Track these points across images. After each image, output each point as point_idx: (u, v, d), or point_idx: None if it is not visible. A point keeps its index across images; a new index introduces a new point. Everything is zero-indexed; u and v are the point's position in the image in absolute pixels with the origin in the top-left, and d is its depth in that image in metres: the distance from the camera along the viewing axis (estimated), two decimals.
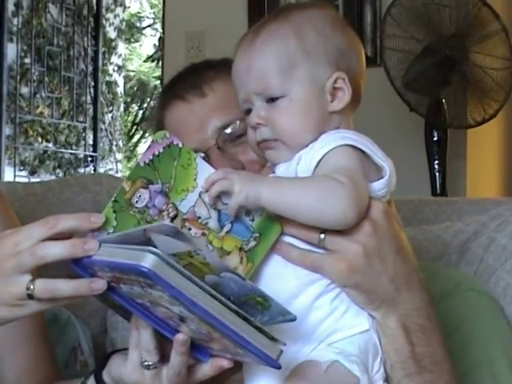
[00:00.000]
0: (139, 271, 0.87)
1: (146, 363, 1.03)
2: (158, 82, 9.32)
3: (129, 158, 10.03)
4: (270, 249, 1.06)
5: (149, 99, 10.64)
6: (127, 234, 0.94)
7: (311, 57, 1.08)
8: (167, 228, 0.89)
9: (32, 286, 0.98)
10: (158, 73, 9.32)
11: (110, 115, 7.38)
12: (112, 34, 7.44)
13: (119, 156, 7.80)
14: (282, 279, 1.05)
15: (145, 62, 10.78)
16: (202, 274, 0.91)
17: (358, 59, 1.12)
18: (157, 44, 10.26)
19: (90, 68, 6.37)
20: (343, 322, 1.04)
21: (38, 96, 6.06)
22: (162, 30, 4.47)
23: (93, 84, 6.42)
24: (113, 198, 1.04)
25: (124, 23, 8.09)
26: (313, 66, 1.08)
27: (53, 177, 6.15)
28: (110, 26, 7.33)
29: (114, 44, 7.50)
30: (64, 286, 0.98)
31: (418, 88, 3.08)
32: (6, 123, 5.63)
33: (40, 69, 6.03)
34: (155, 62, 10.27)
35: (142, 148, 10.32)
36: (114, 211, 1.04)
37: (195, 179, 1.07)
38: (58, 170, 6.39)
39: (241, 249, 1.05)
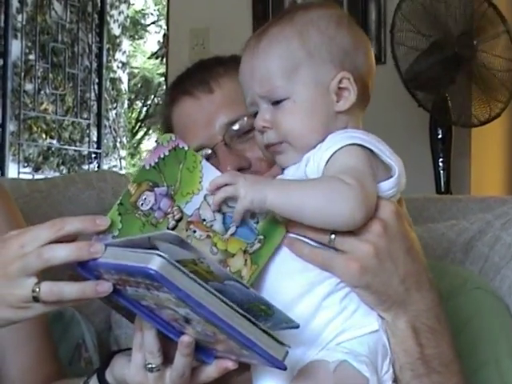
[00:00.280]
0: (146, 273, 0.87)
1: (150, 366, 1.03)
2: (162, 78, 9.32)
3: (133, 155, 10.04)
4: (276, 249, 1.06)
5: (153, 96, 10.65)
6: (132, 240, 0.94)
7: (314, 58, 1.08)
8: (171, 237, 0.89)
9: (38, 289, 0.98)
10: (162, 70, 9.31)
11: (114, 112, 7.40)
12: (116, 30, 7.45)
13: (123, 153, 7.82)
14: (290, 278, 1.05)
15: (149, 58, 10.79)
16: (206, 281, 0.91)
17: (365, 57, 1.12)
18: (161, 41, 10.26)
19: (95, 65, 6.37)
20: (352, 322, 1.03)
21: (42, 93, 6.07)
22: (166, 27, 4.47)
23: (97, 81, 6.42)
24: (118, 201, 1.04)
25: (128, 20, 8.10)
26: (316, 66, 1.08)
27: (57, 173, 6.16)
28: (114, 22, 7.35)
29: (118, 41, 7.52)
30: (70, 289, 0.97)
31: (422, 85, 3.08)
32: (11, 120, 5.63)
33: (44, 65, 6.04)
34: (159, 58, 10.28)
35: (145, 145, 10.33)
36: (120, 214, 1.04)
37: (200, 182, 1.07)
38: (61, 167, 6.40)
39: (245, 251, 1.05)
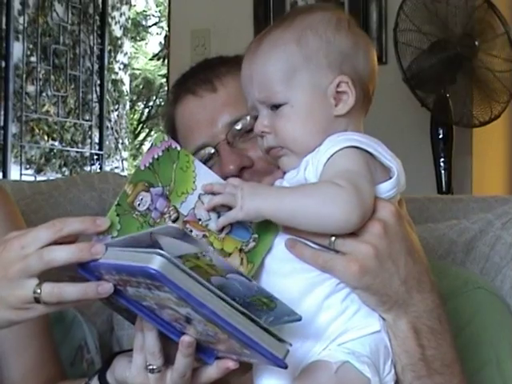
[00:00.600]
0: (147, 273, 0.87)
1: (151, 367, 1.03)
2: (164, 80, 9.33)
3: (135, 156, 10.04)
4: (271, 248, 1.07)
5: (154, 97, 10.65)
6: (133, 237, 0.95)
7: (312, 63, 1.08)
8: (173, 230, 0.90)
9: (39, 290, 0.98)
10: (164, 71, 9.33)
11: (115, 113, 7.39)
12: (118, 32, 7.45)
13: (125, 154, 7.81)
14: (290, 278, 1.05)
15: (150, 60, 10.79)
16: (208, 275, 0.92)
17: (366, 60, 1.11)
18: (162, 42, 10.27)
19: (96, 66, 6.38)
20: (354, 323, 1.03)
21: (43, 94, 6.07)
22: (167, 29, 4.47)
23: (99, 82, 6.43)
24: (116, 202, 1.05)
25: (130, 21, 8.10)
26: (314, 71, 1.08)
27: (59, 175, 6.16)
28: (115, 24, 7.34)
29: (119, 42, 7.51)
30: (71, 290, 0.98)
31: (424, 84, 3.08)
32: (12, 122, 5.64)
33: (46, 67, 6.04)
34: (161, 60, 10.28)
35: (147, 146, 10.32)
36: (118, 215, 1.04)
37: (194, 181, 1.08)
38: (63, 169, 6.40)
39: (241, 250, 1.06)
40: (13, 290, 1.00)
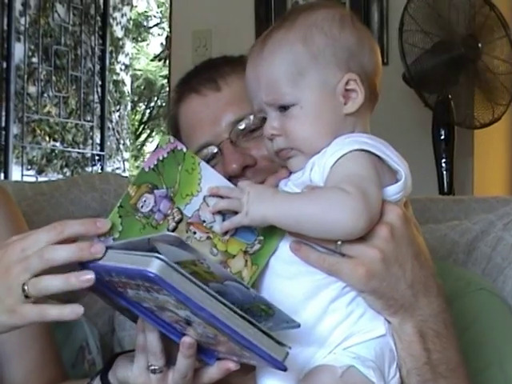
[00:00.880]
0: (146, 276, 0.87)
1: (153, 367, 1.03)
2: (165, 80, 9.33)
3: (136, 157, 10.04)
4: (276, 250, 1.06)
5: (156, 98, 10.65)
6: (132, 242, 0.95)
7: (319, 61, 1.07)
8: (171, 238, 0.90)
9: (26, 287, 0.98)
10: (165, 72, 9.33)
11: (117, 114, 7.39)
12: (119, 33, 7.45)
13: (126, 155, 7.81)
14: (295, 281, 1.04)
15: (152, 61, 10.79)
16: (206, 281, 0.92)
17: (371, 56, 1.11)
18: (164, 43, 10.27)
19: (98, 67, 6.38)
20: (359, 326, 1.03)
21: (45, 95, 6.07)
22: (169, 29, 4.47)
23: (100, 83, 6.43)
24: (118, 204, 1.05)
25: (131, 22, 8.10)
26: (322, 70, 1.07)
27: (60, 176, 6.16)
28: (117, 25, 7.35)
29: (121, 43, 7.52)
30: (54, 279, 0.98)
31: (426, 84, 3.08)
32: (14, 122, 5.64)
33: (47, 68, 6.04)
34: (162, 60, 10.28)
35: (149, 147, 10.33)
36: (120, 216, 1.04)
37: (199, 183, 1.07)
38: (65, 169, 6.40)
39: (245, 252, 1.06)
40: (10, 291, 1.00)
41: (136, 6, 9.80)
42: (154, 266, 0.87)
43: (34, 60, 5.94)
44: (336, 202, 0.98)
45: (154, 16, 10.93)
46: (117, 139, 7.35)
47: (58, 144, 6.34)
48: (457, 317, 1.13)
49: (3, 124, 5.54)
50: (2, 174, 5.46)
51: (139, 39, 10.65)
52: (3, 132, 5.53)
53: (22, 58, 5.76)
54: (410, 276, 1.04)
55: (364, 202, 0.98)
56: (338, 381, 0.98)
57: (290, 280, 1.05)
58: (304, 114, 1.07)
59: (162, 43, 10.58)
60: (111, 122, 7.15)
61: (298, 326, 0.95)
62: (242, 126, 1.26)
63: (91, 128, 6.41)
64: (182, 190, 1.07)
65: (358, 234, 1.00)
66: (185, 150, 1.08)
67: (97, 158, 6.49)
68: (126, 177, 2.07)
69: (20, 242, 1.02)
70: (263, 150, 1.19)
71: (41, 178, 5.85)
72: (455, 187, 3.14)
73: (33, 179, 5.68)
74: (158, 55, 10.64)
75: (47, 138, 6.26)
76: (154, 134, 10.61)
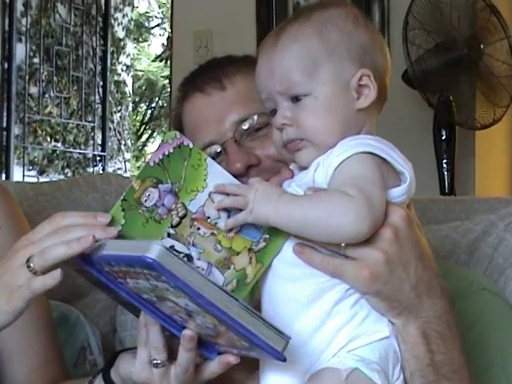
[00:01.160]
0: (144, 262, 0.87)
1: (155, 361, 1.04)
2: (167, 81, 9.33)
3: (137, 158, 10.04)
4: (281, 249, 1.06)
5: (157, 99, 10.65)
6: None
7: (334, 56, 1.07)
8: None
9: (32, 264, 1.00)
10: (167, 72, 9.32)
11: (118, 115, 7.40)
12: (120, 33, 7.46)
13: (128, 155, 7.82)
14: (299, 284, 1.04)
15: (153, 61, 10.79)
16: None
17: (383, 55, 1.12)
18: (165, 43, 10.27)
19: (99, 68, 6.38)
20: (363, 329, 1.03)
21: (46, 96, 6.07)
22: (170, 30, 4.47)
23: (101, 84, 6.43)
24: (122, 197, 1.05)
25: (132, 23, 8.11)
26: (336, 64, 1.07)
27: (61, 176, 6.17)
28: (118, 25, 7.35)
29: (122, 44, 7.52)
30: (56, 247, 0.99)
31: (426, 84, 3.08)
32: (15, 123, 5.64)
33: (49, 69, 6.05)
34: (163, 61, 10.28)
35: (150, 147, 10.34)
36: (123, 210, 1.05)
37: (205, 180, 1.07)
38: (66, 170, 6.41)
39: (250, 249, 1.05)
40: (17, 272, 1.02)
41: (137, 7, 9.80)
42: (152, 251, 0.87)
43: (36, 60, 5.95)
44: (339, 206, 0.98)
45: (156, 16, 10.93)
46: (118, 140, 7.36)
47: (59, 144, 6.34)
48: (459, 317, 1.13)
49: (4, 124, 5.54)
50: (4, 175, 5.47)
51: (140, 40, 10.65)
52: (4, 132, 5.54)
53: (23, 58, 5.76)
54: (414, 278, 1.04)
55: (367, 205, 0.98)
56: (342, 383, 0.98)
57: (293, 283, 1.04)
58: (317, 104, 1.07)
59: (163, 44, 10.58)
60: (112, 122, 7.16)
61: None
62: (246, 126, 1.26)
63: (92, 128, 6.41)
64: (186, 186, 1.07)
65: (361, 238, 1.00)
66: (191, 145, 1.08)
67: (98, 158, 6.49)
68: (128, 177, 2.08)
69: (25, 250, 1.03)
70: (267, 149, 1.20)
71: (42, 179, 5.85)
72: (456, 188, 3.14)
73: (34, 180, 5.69)
74: (160, 56, 10.64)
75: (48, 139, 6.26)
76: (155, 134, 10.61)
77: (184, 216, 1.06)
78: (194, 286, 0.89)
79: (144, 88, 10.62)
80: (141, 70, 10.53)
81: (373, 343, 1.02)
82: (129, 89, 7.83)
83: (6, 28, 5.55)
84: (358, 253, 1.01)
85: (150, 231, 1.04)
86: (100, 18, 6.36)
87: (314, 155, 1.07)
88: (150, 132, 10.77)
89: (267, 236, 1.05)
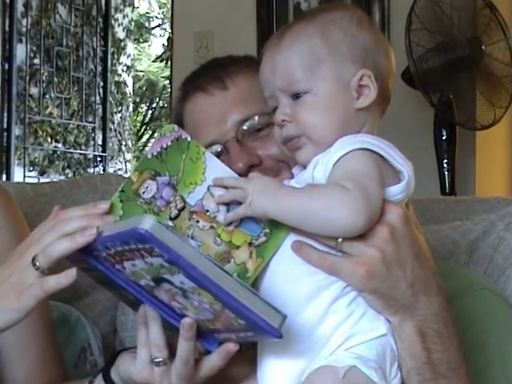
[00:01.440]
0: (137, 233, 0.88)
1: (156, 359, 1.04)
2: (167, 81, 9.33)
3: (138, 158, 10.04)
4: (282, 245, 1.06)
5: (158, 99, 10.66)
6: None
7: (336, 55, 1.09)
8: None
9: (37, 263, 1.01)
10: (167, 73, 9.31)
11: (119, 115, 7.40)
12: (121, 34, 7.46)
13: (128, 156, 7.82)
14: (297, 282, 1.04)
15: (154, 62, 10.79)
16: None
17: (386, 58, 1.13)
18: (165, 44, 10.27)
19: (99, 68, 6.38)
20: (360, 327, 1.03)
21: (47, 96, 6.08)
22: (170, 30, 4.47)
23: (102, 84, 6.43)
24: (120, 188, 1.06)
25: (133, 23, 8.11)
26: (337, 63, 1.09)
27: (62, 177, 6.17)
28: (118, 26, 7.36)
29: (122, 44, 7.53)
30: (60, 242, 1.00)
31: (427, 84, 3.07)
32: (16, 124, 5.64)
33: (49, 69, 6.05)
34: (164, 61, 10.28)
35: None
36: (121, 201, 1.06)
37: (204, 173, 1.08)
38: (67, 171, 6.41)
39: (250, 244, 1.06)
40: (24, 271, 1.03)
41: (138, 7, 9.81)
42: (145, 222, 0.88)
43: (36, 61, 5.95)
44: (336, 198, 0.99)
45: (156, 17, 10.93)
46: (119, 140, 7.36)
47: (59, 145, 6.34)
48: (459, 316, 1.13)
49: (5, 125, 5.54)
50: (4, 176, 5.47)
51: (141, 40, 10.65)
52: (5, 133, 5.54)
53: (23, 59, 5.76)
54: (411, 276, 1.04)
55: (364, 199, 0.99)
56: (340, 381, 0.98)
57: (291, 281, 1.05)
58: (316, 102, 1.08)
59: (163, 44, 10.58)
60: (113, 123, 7.16)
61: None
62: (247, 126, 1.27)
63: (93, 129, 6.41)
64: (185, 179, 1.07)
65: (358, 231, 1.00)
66: (189, 139, 1.09)
67: (99, 159, 6.49)
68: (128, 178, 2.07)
69: (30, 251, 1.04)
70: (269, 149, 1.21)
71: (43, 179, 5.85)
72: (457, 188, 3.14)
73: (35, 180, 5.69)
74: (160, 56, 10.64)
75: (49, 139, 6.26)
76: (155, 134, 10.60)
77: (182, 209, 1.07)
78: (186, 257, 0.89)
79: (144, 88, 10.63)
80: (141, 71, 10.53)
81: (370, 341, 1.02)
82: (129, 89, 7.84)
83: (7, 29, 5.55)
84: (354, 250, 1.02)
85: None
86: (100, 19, 6.36)
87: (313, 153, 1.08)
88: (150, 132, 10.77)
89: (268, 231, 1.05)
